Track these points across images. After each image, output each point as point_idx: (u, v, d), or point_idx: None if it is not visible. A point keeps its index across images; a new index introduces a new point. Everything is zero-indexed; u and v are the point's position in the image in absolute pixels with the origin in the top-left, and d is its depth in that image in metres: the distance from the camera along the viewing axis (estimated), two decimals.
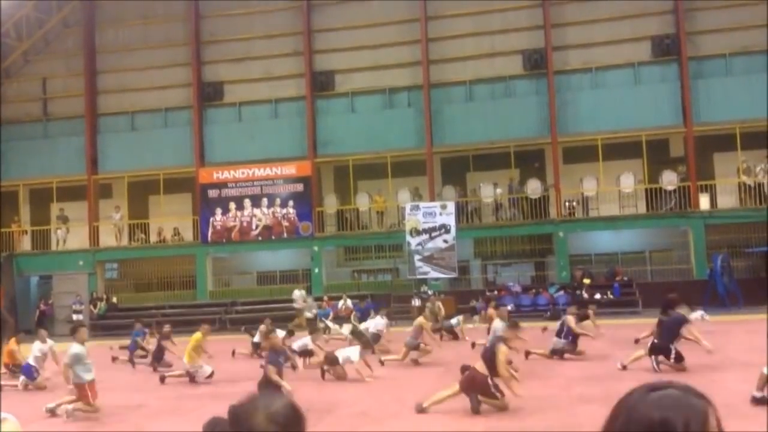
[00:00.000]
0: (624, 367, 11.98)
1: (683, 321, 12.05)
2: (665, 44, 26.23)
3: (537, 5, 27.12)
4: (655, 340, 12.10)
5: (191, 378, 13.31)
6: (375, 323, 17.16)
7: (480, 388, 9.37)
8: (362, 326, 17.53)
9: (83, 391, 10.37)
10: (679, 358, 11.76)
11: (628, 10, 26.50)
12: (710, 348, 11.66)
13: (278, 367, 11.04)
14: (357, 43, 28.21)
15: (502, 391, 9.37)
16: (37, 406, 10.84)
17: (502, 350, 9.45)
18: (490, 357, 9.48)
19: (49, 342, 14.36)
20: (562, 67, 26.92)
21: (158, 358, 15.53)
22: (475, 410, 9.25)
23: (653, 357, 11.93)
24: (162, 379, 13.55)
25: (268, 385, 10.44)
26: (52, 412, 10.59)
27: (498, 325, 13.00)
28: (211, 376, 13.31)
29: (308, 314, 23.89)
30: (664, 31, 26.46)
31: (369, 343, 14.66)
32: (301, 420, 1.78)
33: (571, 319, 14.07)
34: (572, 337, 13.91)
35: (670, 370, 11.65)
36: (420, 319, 14.71)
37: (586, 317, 15.64)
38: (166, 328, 16.43)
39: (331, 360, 12.94)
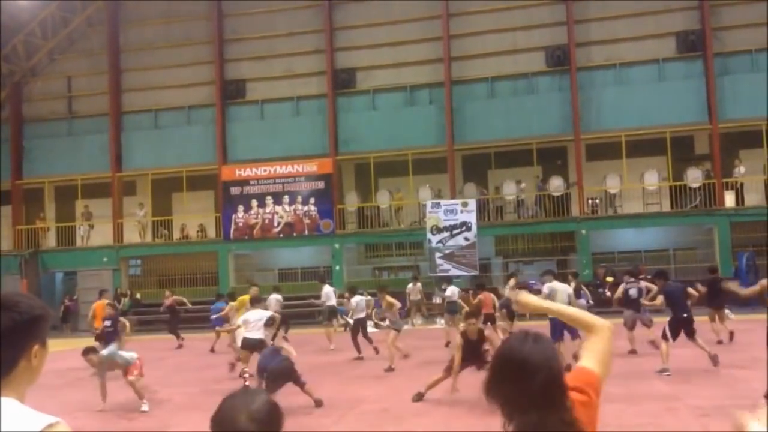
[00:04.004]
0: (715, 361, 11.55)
1: (686, 287, 12.06)
2: (690, 40, 25.95)
3: (559, 1, 26.93)
4: (680, 315, 11.73)
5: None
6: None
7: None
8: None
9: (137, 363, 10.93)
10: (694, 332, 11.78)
11: (652, 6, 26.25)
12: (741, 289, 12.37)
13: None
14: (378, 40, 28.21)
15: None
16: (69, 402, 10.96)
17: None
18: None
19: None
20: (585, 64, 26.72)
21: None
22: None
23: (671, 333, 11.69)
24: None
25: None
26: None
27: None
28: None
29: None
30: (689, 27, 26.16)
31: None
32: (280, 417, 1.90)
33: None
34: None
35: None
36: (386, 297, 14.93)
37: None
38: None
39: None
